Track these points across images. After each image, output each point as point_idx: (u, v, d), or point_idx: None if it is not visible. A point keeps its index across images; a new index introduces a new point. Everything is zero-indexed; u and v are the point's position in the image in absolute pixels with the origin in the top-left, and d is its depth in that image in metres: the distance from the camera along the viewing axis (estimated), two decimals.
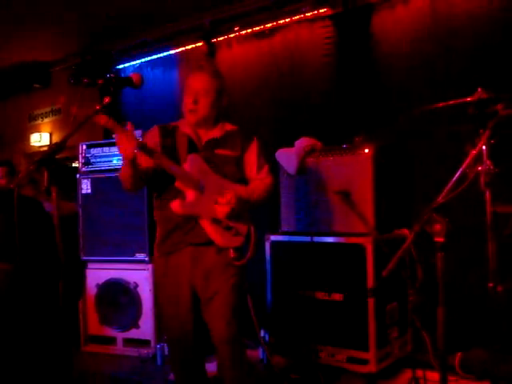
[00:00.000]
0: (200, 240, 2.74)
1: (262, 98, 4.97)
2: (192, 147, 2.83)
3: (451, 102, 2.22)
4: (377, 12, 4.42)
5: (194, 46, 5.49)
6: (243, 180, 2.92)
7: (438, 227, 1.96)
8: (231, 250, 2.74)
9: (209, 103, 2.82)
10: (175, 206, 2.63)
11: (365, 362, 3.53)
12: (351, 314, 3.59)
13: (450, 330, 2.34)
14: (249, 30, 5.10)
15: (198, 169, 2.73)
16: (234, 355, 2.75)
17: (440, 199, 1.98)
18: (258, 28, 5.04)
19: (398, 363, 3.74)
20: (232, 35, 5.23)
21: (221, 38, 5.31)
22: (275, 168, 3.82)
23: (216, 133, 2.89)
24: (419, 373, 3.23)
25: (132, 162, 2.59)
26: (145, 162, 2.71)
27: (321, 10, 4.67)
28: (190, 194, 2.69)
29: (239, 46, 5.21)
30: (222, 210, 2.71)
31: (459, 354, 3.63)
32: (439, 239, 1.98)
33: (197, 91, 2.81)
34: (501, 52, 3.78)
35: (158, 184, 2.84)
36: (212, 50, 5.38)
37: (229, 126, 2.96)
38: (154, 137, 2.88)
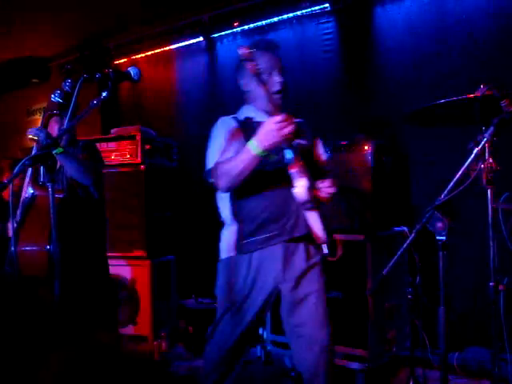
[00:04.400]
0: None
1: None
2: None
3: (454, 99, 2.19)
4: (378, 5, 4.39)
5: (193, 41, 5.46)
6: None
7: (439, 225, 1.94)
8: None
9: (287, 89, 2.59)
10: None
11: (362, 359, 3.52)
12: (350, 312, 3.58)
13: (451, 329, 2.33)
14: (249, 26, 5.07)
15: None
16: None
17: (442, 197, 1.95)
18: (257, 24, 5.00)
19: (396, 361, 3.73)
20: (232, 31, 5.20)
21: (220, 34, 5.28)
22: None
23: None
24: (417, 371, 3.22)
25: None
26: None
27: (321, 6, 4.63)
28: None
29: (239, 41, 5.17)
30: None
31: (458, 352, 3.63)
32: (441, 238, 1.96)
33: (281, 72, 2.57)
34: (506, 48, 3.75)
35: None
36: (211, 46, 5.36)
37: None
38: (234, 134, 2.56)
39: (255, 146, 2.32)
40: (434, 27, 4.08)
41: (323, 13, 4.64)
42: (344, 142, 3.76)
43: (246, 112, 2.67)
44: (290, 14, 4.80)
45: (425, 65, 4.09)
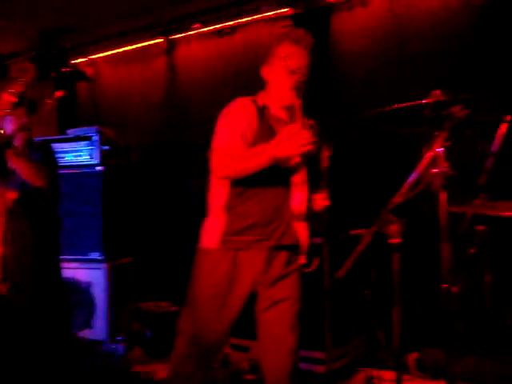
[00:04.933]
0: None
1: (222, 96, 4.93)
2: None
3: (408, 104, 2.23)
4: (337, 13, 4.45)
5: (152, 42, 5.41)
6: None
7: (393, 228, 1.96)
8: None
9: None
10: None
11: (321, 361, 3.53)
12: (307, 314, 3.59)
13: (406, 330, 2.36)
14: (209, 28, 5.06)
15: None
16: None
17: (396, 200, 1.98)
18: (218, 26, 5.00)
19: (354, 363, 3.76)
20: (192, 32, 5.17)
21: (181, 35, 5.25)
22: None
23: None
24: (375, 372, 3.26)
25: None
26: None
27: (282, 10, 4.66)
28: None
29: (199, 43, 5.17)
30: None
31: (415, 353, 3.68)
32: (395, 240, 1.98)
33: (306, 67, 2.46)
34: (458, 54, 3.85)
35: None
36: (171, 47, 5.33)
37: None
38: (251, 122, 2.44)
39: (270, 152, 2.23)
40: (392, 34, 4.16)
41: (283, 17, 4.67)
42: None
43: (264, 99, 2.54)
44: (250, 18, 4.81)
45: (382, 71, 4.16)
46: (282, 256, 2.52)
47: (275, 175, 2.36)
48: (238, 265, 2.49)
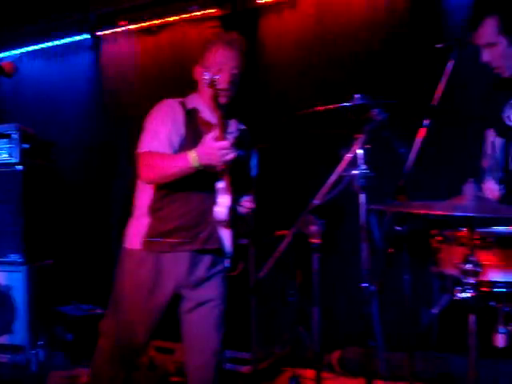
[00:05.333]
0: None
1: (148, 96, 4.86)
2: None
3: (330, 107, 2.27)
4: (265, 15, 4.48)
5: (78, 38, 5.29)
6: None
7: (313, 229, 1.99)
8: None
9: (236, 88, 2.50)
10: None
11: (246, 362, 3.55)
12: (233, 314, 3.59)
13: (330, 329, 2.40)
14: (136, 26, 5.00)
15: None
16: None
17: (316, 201, 2.01)
18: (145, 24, 4.95)
19: (279, 362, 3.80)
20: (118, 29, 5.10)
21: (107, 32, 5.16)
22: None
23: (233, 127, 2.61)
24: (299, 371, 3.30)
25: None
26: None
27: (209, 10, 4.66)
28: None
29: (125, 40, 5.10)
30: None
31: (337, 352, 3.76)
32: (315, 240, 2.02)
33: (235, 70, 2.48)
34: (381, 60, 3.96)
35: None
36: (97, 44, 5.23)
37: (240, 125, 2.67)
38: (178, 125, 2.45)
39: (195, 159, 2.24)
40: (318, 39, 4.23)
41: (211, 17, 4.66)
42: None
43: (194, 101, 2.55)
44: (177, 17, 4.79)
45: (308, 74, 4.22)
46: (207, 259, 2.54)
47: (200, 180, 2.37)
48: (161, 266, 2.49)
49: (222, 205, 2.32)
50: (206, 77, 2.31)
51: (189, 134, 2.42)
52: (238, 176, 2.42)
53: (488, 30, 2.38)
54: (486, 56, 2.43)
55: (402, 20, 3.96)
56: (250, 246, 3.52)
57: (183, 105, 2.50)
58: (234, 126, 2.62)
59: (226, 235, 2.43)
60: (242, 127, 2.68)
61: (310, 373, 3.48)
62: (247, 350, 3.54)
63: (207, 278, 2.56)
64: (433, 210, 1.76)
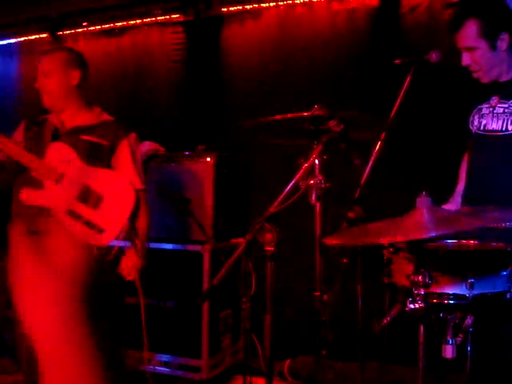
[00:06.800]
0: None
1: (106, 98, 4.80)
2: (56, 135, 2.70)
3: (288, 116, 2.28)
4: (228, 24, 4.49)
5: (37, 36, 5.21)
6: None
7: (268, 237, 1.99)
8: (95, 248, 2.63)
9: (53, 84, 2.72)
10: (23, 195, 2.54)
11: (197, 369, 3.53)
12: (184, 322, 3.57)
13: (281, 338, 2.40)
14: (97, 27, 4.96)
15: (59, 157, 2.61)
16: None
17: (272, 209, 2.02)
18: (107, 25, 4.92)
19: (230, 370, 3.78)
20: (80, 30, 5.04)
21: (67, 32, 5.09)
22: None
23: (87, 119, 2.78)
24: (250, 379, 3.28)
25: None
26: None
27: (173, 16, 4.65)
28: (46, 184, 2.59)
29: (86, 41, 5.03)
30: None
31: (288, 360, 3.76)
32: (269, 248, 2.02)
33: (39, 74, 2.75)
34: (341, 72, 4.02)
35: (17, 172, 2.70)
36: (57, 43, 5.12)
37: (106, 116, 2.85)
38: (18, 131, 2.82)
39: None
40: (280, 50, 4.27)
41: (174, 23, 4.65)
42: (187, 153, 3.77)
43: None
44: (140, 20, 4.76)
45: (270, 82, 4.25)
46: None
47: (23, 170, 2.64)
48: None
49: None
50: None
51: (28, 134, 2.78)
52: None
53: (468, 33, 2.40)
54: (466, 59, 2.45)
55: (362, 34, 4.03)
56: (204, 252, 3.51)
57: (33, 119, 2.87)
58: (93, 116, 2.81)
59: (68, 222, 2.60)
60: (107, 118, 2.85)
61: (261, 381, 3.46)
62: (198, 358, 3.51)
63: None
64: (384, 237, 1.79)
